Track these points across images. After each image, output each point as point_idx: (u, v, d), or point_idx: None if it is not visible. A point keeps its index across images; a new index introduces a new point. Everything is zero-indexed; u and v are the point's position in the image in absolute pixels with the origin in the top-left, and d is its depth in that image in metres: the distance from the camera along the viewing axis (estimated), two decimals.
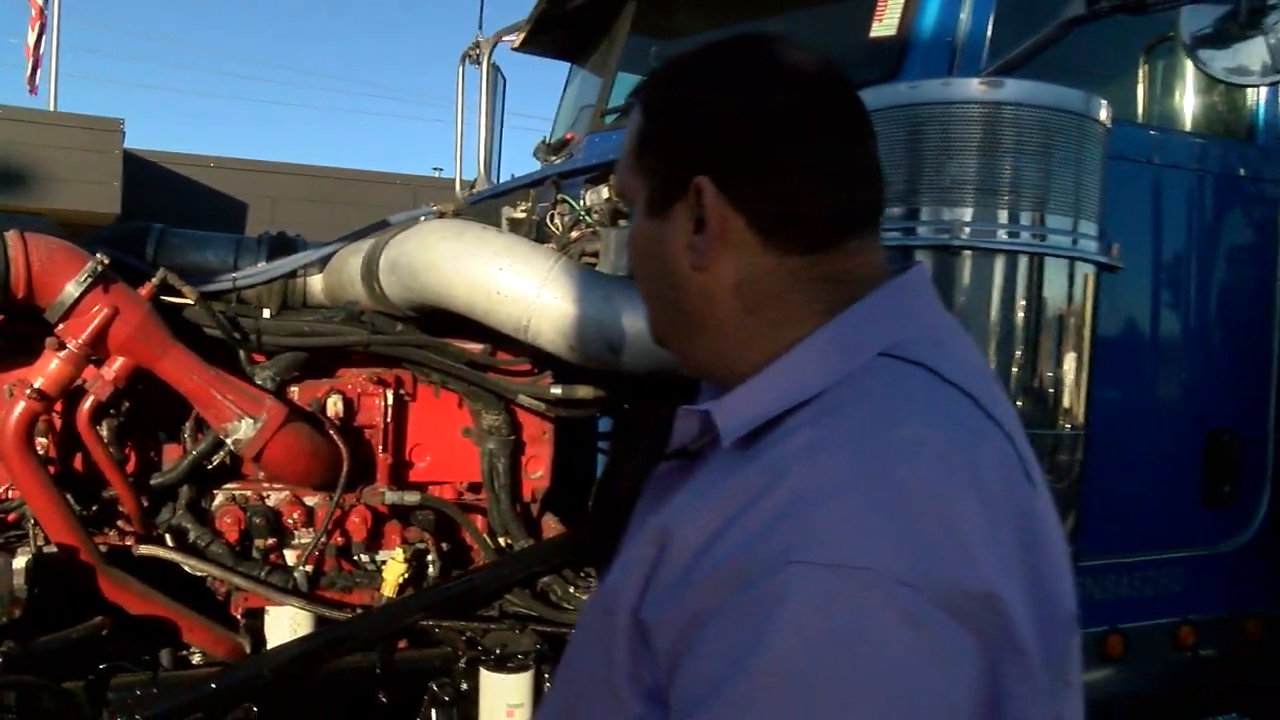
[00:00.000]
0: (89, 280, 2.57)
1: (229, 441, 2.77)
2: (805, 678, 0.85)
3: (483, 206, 4.12)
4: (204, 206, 11.73)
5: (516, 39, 4.90)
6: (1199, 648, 3.44)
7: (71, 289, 2.57)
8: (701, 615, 0.91)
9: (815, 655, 0.85)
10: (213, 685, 2.64)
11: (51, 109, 14.09)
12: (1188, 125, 3.75)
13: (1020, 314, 2.54)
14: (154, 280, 2.76)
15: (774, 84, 1.13)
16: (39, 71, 15.59)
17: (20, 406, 2.58)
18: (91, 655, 2.66)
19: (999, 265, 2.53)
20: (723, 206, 1.11)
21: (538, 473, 3.35)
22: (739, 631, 0.88)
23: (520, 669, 2.84)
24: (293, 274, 3.59)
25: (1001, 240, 2.52)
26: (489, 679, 2.82)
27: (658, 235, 1.17)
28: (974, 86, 2.54)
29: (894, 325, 1.10)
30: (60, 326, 2.61)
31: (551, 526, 3.37)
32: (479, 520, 3.24)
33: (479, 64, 5.34)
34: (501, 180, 5.38)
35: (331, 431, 2.94)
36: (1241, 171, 3.60)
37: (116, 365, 2.67)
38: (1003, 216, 2.52)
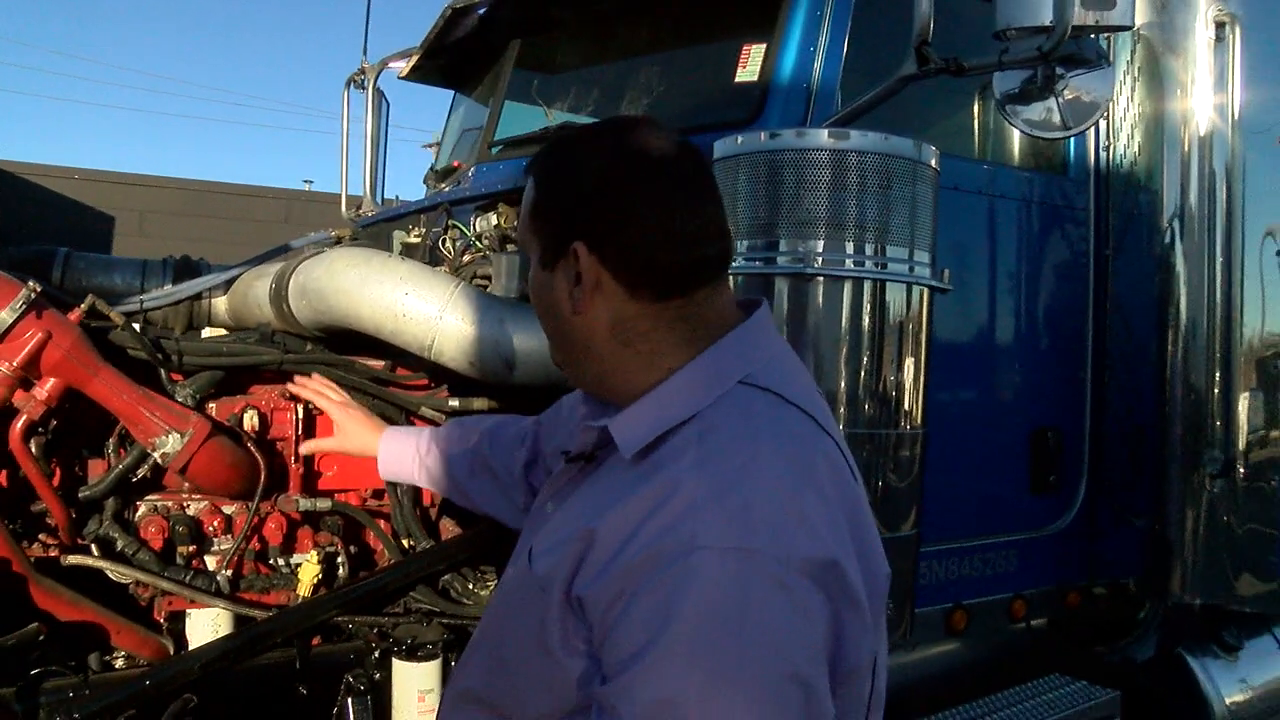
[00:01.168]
0: (23, 306, 2.77)
1: (157, 455, 2.99)
2: (711, 633, 1.18)
3: (375, 230, 4.37)
4: (69, 220, 11.54)
5: (404, 68, 5.15)
6: (1030, 618, 3.89)
7: (5, 315, 2.76)
8: (625, 592, 1.23)
9: (718, 615, 1.18)
10: (146, 682, 2.85)
11: None
12: (1015, 159, 4.21)
13: (866, 331, 2.92)
14: (83, 306, 2.96)
15: (631, 163, 1.44)
16: None
17: None
18: (23, 661, 2.85)
19: (847, 289, 2.91)
20: (595, 265, 1.42)
21: None
22: (658, 602, 1.20)
23: (429, 658, 3.11)
24: (198, 296, 3.82)
25: (849, 268, 2.90)
26: (401, 668, 3.09)
27: (548, 284, 1.48)
28: (824, 136, 2.92)
29: (747, 359, 1.43)
30: None
31: (449, 528, 3.64)
32: (383, 524, 3.50)
33: (363, 89, 5.58)
34: (385, 199, 5.63)
35: (249, 444, 3.17)
36: (1058, 200, 4.07)
37: (49, 386, 2.87)
38: (850, 247, 2.90)
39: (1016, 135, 4.21)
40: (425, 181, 5.03)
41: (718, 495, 1.25)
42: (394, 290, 3.05)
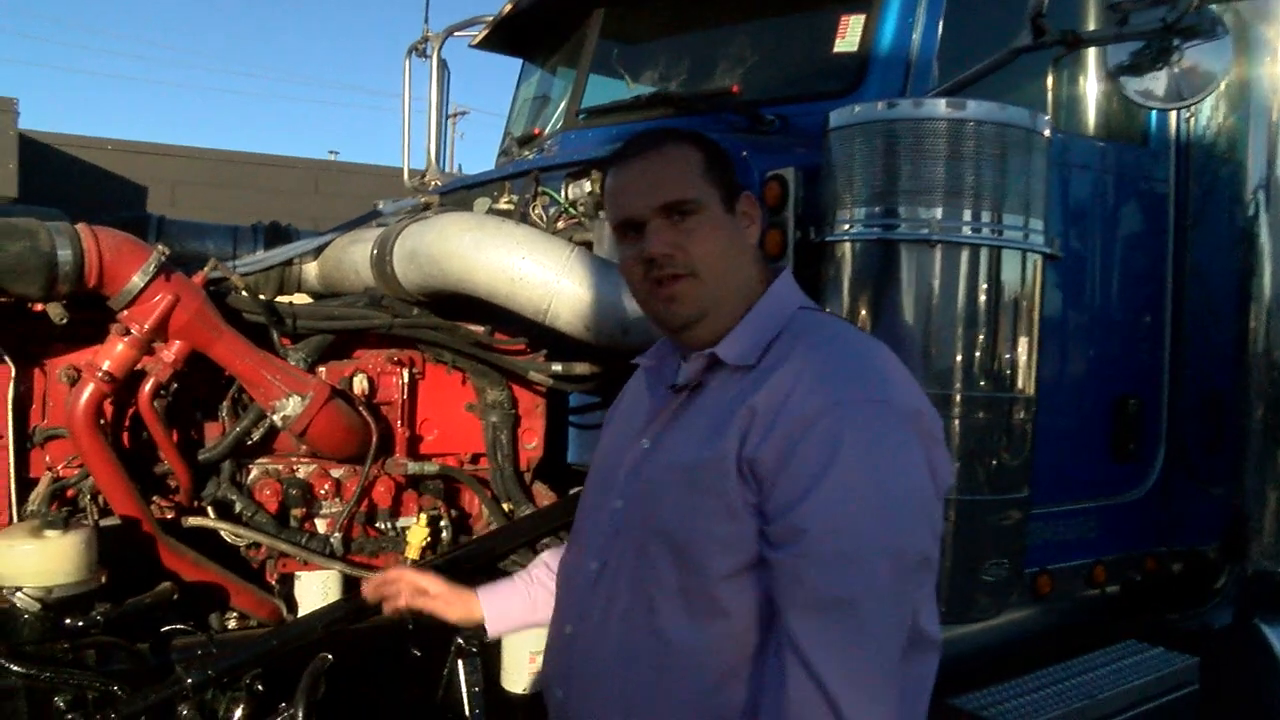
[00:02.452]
0: (154, 270, 2.75)
1: (277, 418, 2.98)
2: (867, 460, 1.56)
3: (456, 197, 4.34)
4: (103, 190, 11.50)
5: (477, 36, 5.10)
6: (1108, 584, 3.90)
7: (137, 279, 2.75)
8: (789, 446, 1.57)
9: (869, 447, 1.57)
10: (273, 642, 2.85)
11: None
12: (1090, 130, 4.18)
13: (983, 296, 2.91)
14: (206, 269, 2.94)
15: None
16: None
17: (90, 388, 2.75)
18: (155, 619, 2.85)
19: (965, 256, 2.90)
20: (754, 205, 1.84)
21: (532, 443, 3.62)
22: (820, 445, 1.56)
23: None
24: (289, 262, 3.80)
25: (967, 235, 2.88)
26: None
27: (733, 225, 1.80)
28: (942, 106, 2.90)
29: (797, 291, 1.85)
30: (125, 313, 2.78)
31: (542, 493, 3.65)
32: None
33: (425, 56, 5.53)
34: (444, 170, 5.59)
35: (360, 408, 3.16)
36: (1138, 172, 4.05)
37: (175, 348, 2.86)
38: (967, 215, 2.89)
39: (1091, 107, 4.19)
40: (504, 150, 4.99)
41: (837, 366, 1.65)
42: (510, 254, 3.04)
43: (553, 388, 3.47)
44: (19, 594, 2.50)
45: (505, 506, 3.48)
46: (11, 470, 2.87)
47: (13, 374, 2.86)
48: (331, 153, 15.11)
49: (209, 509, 3.09)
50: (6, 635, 2.56)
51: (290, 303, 3.20)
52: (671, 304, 1.77)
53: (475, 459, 3.56)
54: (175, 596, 2.82)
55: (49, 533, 2.55)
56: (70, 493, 2.94)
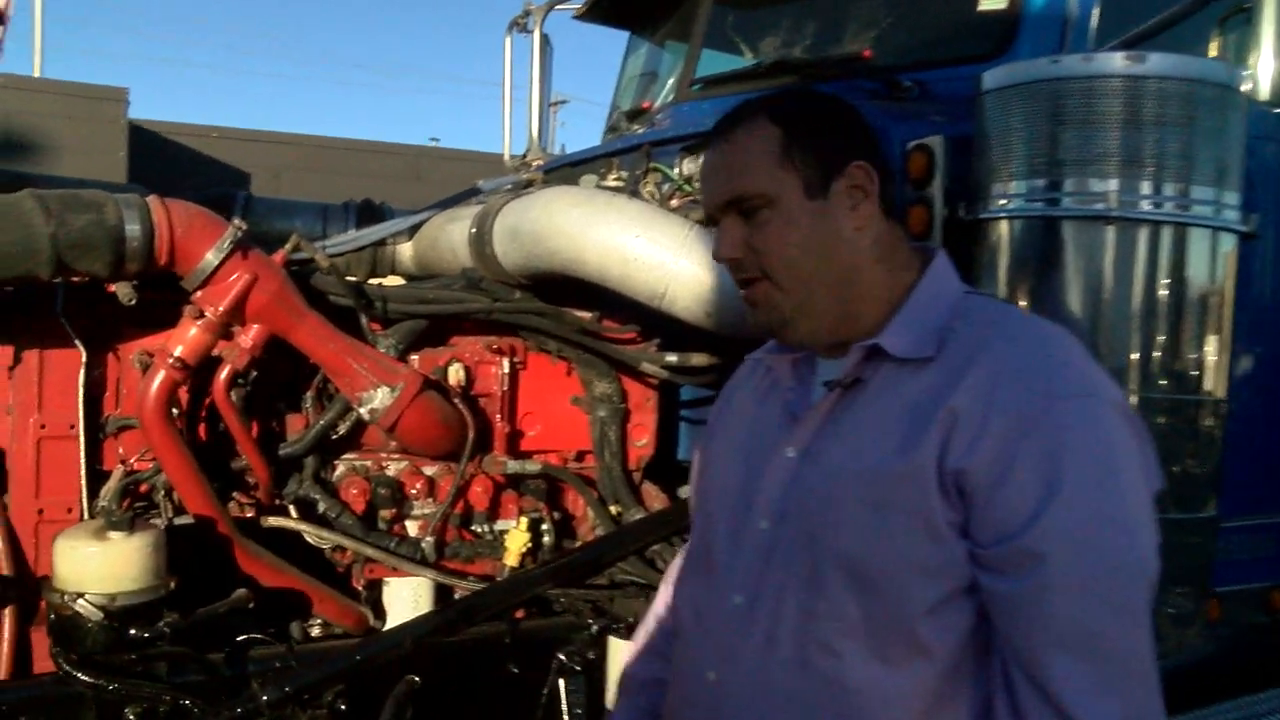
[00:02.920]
0: (229, 246, 2.49)
1: (364, 411, 2.70)
2: (1097, 464, 1.34)
3: (561, 174, 4.03)
4: (208, 177, 11.48)
5: (580, 8, 4.80)
6: None
7: (211, 256, 2.48)
8: (1005, 453, 1.33)
9: (1095, 449, 1.34)
10: (357, 656, 2.58)
11: (36, 76, 13.73)
12: (1264, 96, 3.70)
13: (1165, 281, 2.50)
14: (287, 247, 2.67)
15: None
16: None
17: (161, 375, 2.50)
18: (231, 627, 2.59)
19: (1144, 234, 2.49)
20: (870, 179, 1.52)
21: (642, 440, 3.30)
22: (1043, 451, 1.33)
23: None
24: (381, 242, 3.53)
25: (1147, 211, 2.48)
26: (620, 647, 2.78)
27: (822, 211, 1.50)
28: (1117, 61, 2.50)
29: (955, 274, 1.58)
30: (198, 294, 2.52)
31: (652, 493, 3.32)
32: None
33: (527, 32, 5.24)
34: (546, 150, 5.29)
35: (455, 400, 2.87)
36: None
37: (253, 333, 2.59)
38: (1147, 187, 2.48)
39: (1265, 67, 3.71)
40: (613, 125, 4.68)
41: (1041, 358, 1.41)
42: (623, 232, 2.71)
43: (667, 380, 3.13)
44: (80, 601, 2.25)
45: (612, 509, 3.16)
46: (83, 463, 2.64)
47: (84, 359, 2.62)
48: (433, 140, 14.97)
49: (290, 508, 2.83)
50: (71, 644, 2.32)
51: (380, 285, 2.92)
52: (753, 308, 1.57)
53: (580, 457, 3.26)
54: (252, 604, 2.56)
55: (113, 534, 2.30)
56: (144, 488, 2.70)
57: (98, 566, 2.28)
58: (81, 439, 2.63)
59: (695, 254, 2.70)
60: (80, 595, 2.25)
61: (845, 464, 1.46)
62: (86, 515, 2.64)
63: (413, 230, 3.54)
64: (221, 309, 2.51)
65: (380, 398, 2.67)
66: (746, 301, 1.57)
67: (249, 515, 2.79)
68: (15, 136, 10.74)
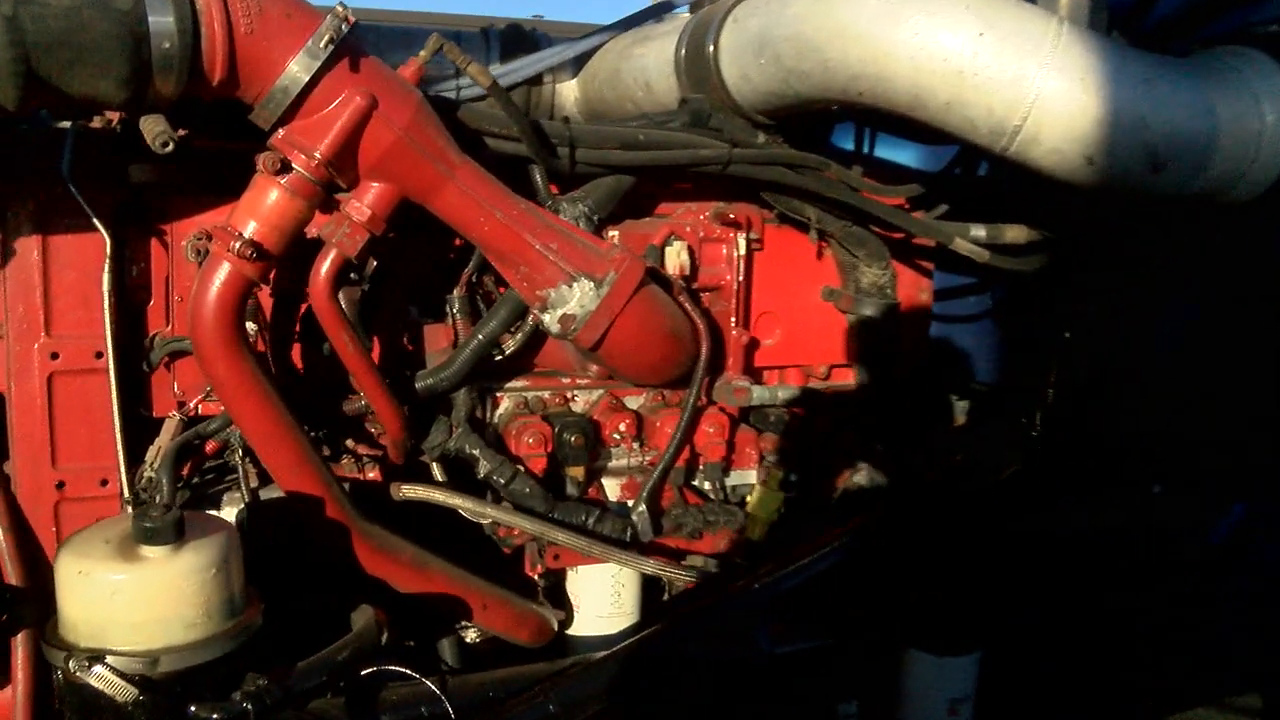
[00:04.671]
0: (328, 49, 1.42)
1: (549, 319, 1.66)
2: None
3: None
4: None
5: None
6: None
7: (298, 66, 1.43)
8: None
9: None
10: (550, 706, 1.59)
11: None
12: None
13: None
14: (422, 54, 1.60)
15: None
16: None
17: (224, 271, 1.47)
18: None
19: None
20: None
21: (914, 350, 2.26)
22: None
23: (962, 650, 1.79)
24: (537, 79, 2.46)
25: None
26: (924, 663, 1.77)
27: None
28: None
29: None
30: (279, 133, 1.48)
31: None
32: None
33: None
34: None
35: (683, 299, 1.82)
36: None
37: (371, 196, 1.55)
38: None
39: None
40: None
41: None
42: (958, 29, 1.59)
43: (983, 264, 2.03)
44: (98, 670, 1.25)
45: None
46: (116, 410, 1.65)
47: (108, 248, 1.61)
48: (536, 15, 13.65)
49: (434, 468, 1.81)
50: None
51: (566, 121, 1.84)
52: None
53: (829, 373, 2.20)
54: (383, 636, 1.58)
55: (149, 550, 1.30)
56: (212, 445, 1.71)
57: (126, 609, 1.29)
58: (112, 374, 1.64)
59: (1072, 63, 1.57)
60: (99, 658, 1.26)
61: None
62: (126, 491, 1.66)
63: (580, 61, 2.46)
64: (320, 152, 1.46)
65: (578, 298, 1.63)
66: None
67: (369, 479, 1.79)
68: None
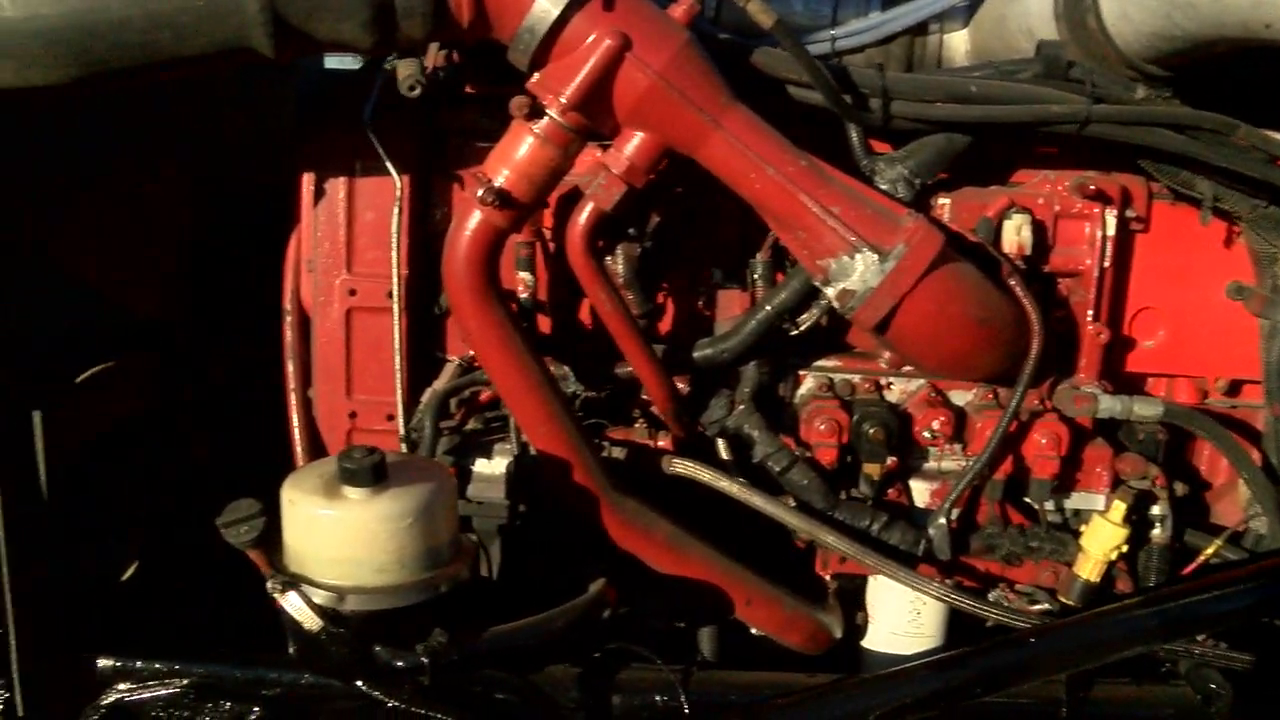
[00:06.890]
0: None
1: (829, 293, 1.41)
2: None
3: None
4: None
5: None
6: None
7: (545, 5, 1.29)
8: None
9: None
10: None
11: None
12: None
13: None
14: None
15: None
16: None
17: (474, 220, 1.38)
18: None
19: None
20: None
21: None
22: None
23: None
24: (922, 29, 2.15)
25: None
26: None
27: None
28: None
29: None
30: (535, 76, 1.35)
31: None
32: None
33: None
34: None
35: (1014, 282, 1.49)
36: None
37: (634, 146, 1.38)
38: None
39: None
40: None
41: None
42: None
43: None
44: (290, 595, 1.22)
45: None
46: (398, 351, 1.63)
47: (399, 190, 1.59)
48: None
49: (719, 444, 1.63)
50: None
51: (880, 68, 1.56)
52: None
53: (1233, 389, 1.74)
54: (607, 612, 1.44)
55: (350, 491, 1.25)
56: (486, 395, 1.65)
57: (321, 543, 1.25)
58: (397, 315, 1.61)
59: None
60: (293, 584, 1.23)
61: None
62: (403, 430, 1.64)
63: (972, 7, 2.13)
64: (569, 95, 1.32)
65: (860, 271, 1.37)
66: None
67: (659, 447, 1.64)
68: None
